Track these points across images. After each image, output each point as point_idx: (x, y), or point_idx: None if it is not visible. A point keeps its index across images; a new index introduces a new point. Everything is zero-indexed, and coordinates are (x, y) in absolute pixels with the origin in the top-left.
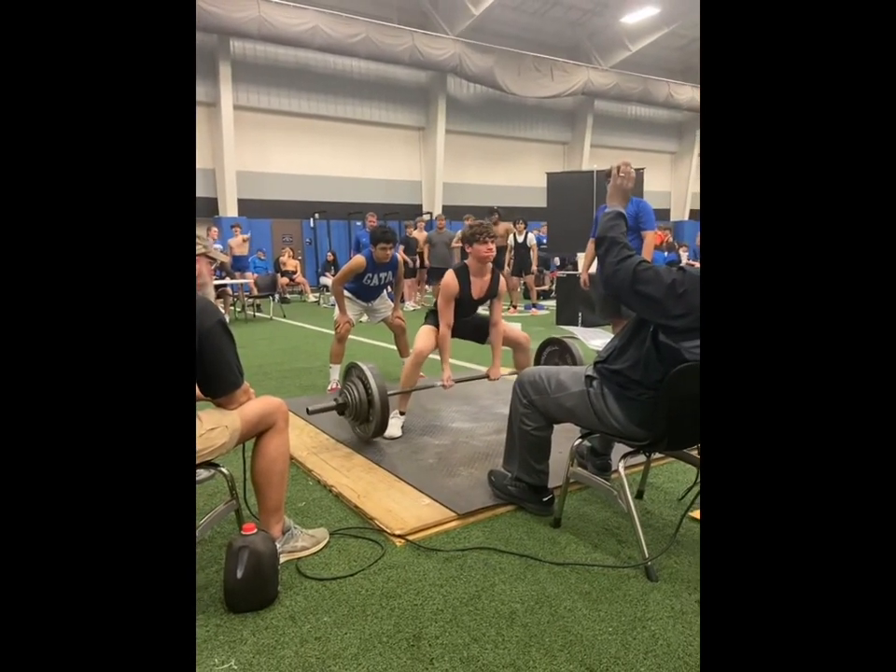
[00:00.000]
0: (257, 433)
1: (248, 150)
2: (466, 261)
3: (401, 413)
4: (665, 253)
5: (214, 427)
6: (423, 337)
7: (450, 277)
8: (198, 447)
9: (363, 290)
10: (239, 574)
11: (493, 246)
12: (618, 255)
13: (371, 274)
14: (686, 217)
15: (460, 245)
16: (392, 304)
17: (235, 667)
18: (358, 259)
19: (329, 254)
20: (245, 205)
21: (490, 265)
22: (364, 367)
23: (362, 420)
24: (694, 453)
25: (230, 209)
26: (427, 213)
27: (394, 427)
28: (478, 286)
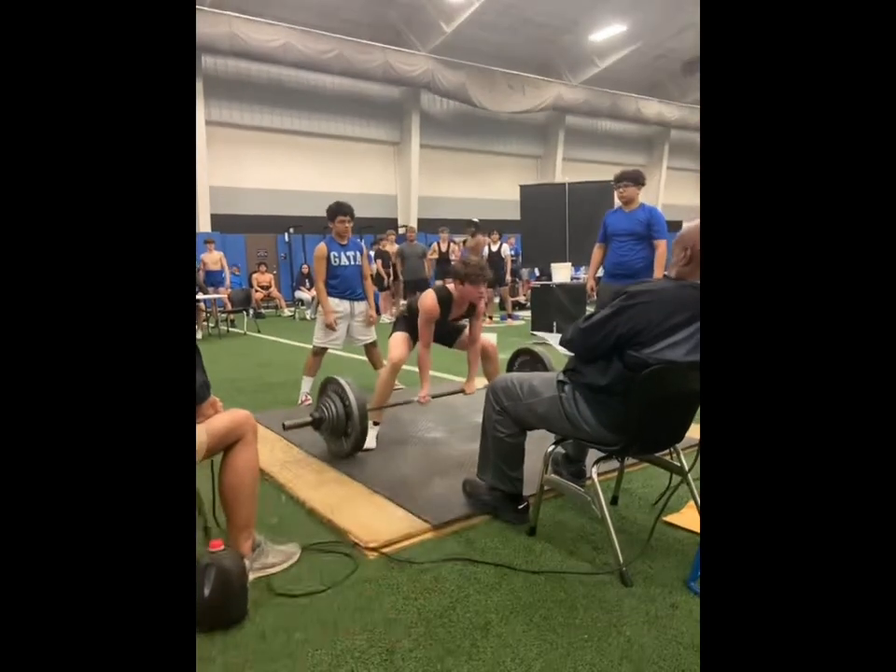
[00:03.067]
0: (224, 447)
1: (221, 166)
2: (450, 287)
3: (375, 424)
4: None
5: None
6: (397, 346)
7: (432, 303)
8: None
9: (342, 280)
10: (206, 592)
11: (483, 290)
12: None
13: (336, 254)
14: None
15: (436, 257)
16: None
17: None
18: (319, 246)
19: (305, 266)
20: (219, 221)
21: None
22: (342, 381)
23: (339, 435)
24: (668, 457)
25: (202, 224)
26: (403, 226)
27: (368, 438)
28: (456, 312)
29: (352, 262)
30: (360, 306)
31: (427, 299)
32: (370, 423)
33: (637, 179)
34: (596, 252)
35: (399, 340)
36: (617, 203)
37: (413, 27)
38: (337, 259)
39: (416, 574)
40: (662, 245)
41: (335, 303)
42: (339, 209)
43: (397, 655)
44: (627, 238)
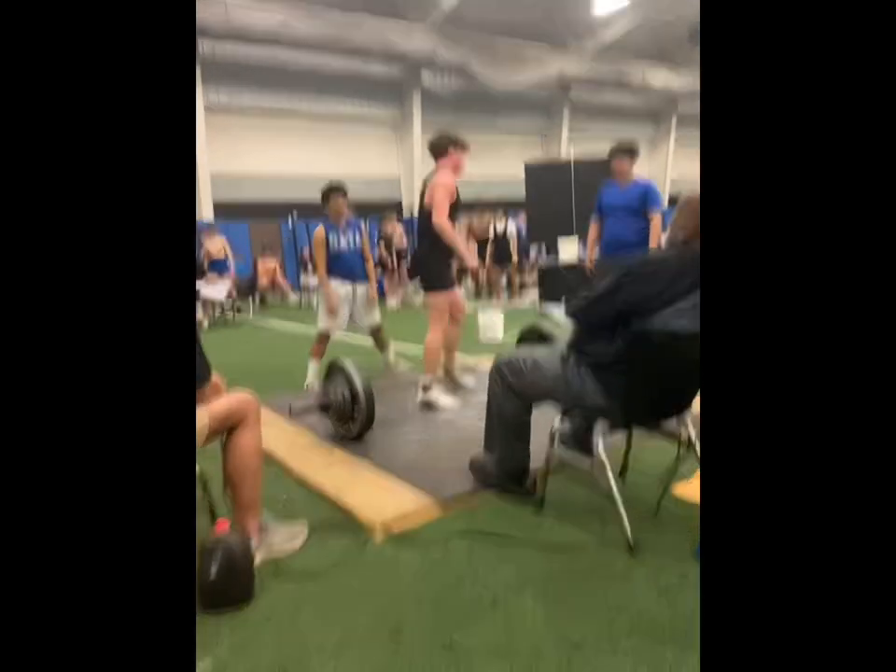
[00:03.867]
0: (226, 429)
1: (221, 152)
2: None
3: (426, 389)
4: None
5: None
6: (441, 318)
7: (450, 179)
8: None
9: (343, 264)
10: (213, 573)
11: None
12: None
13: (334, 237)
14: (665, 205)
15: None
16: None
17: (210, 670)
18: (316, 231)
19: (305, 249)
20: (221, 208)
21: None
22: (347, 364)
23: (346, 419)
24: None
25: (205, 212)
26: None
27: (443, 398)
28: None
29: (351, 244)
30: (362, 288)
31: (445, 178)
32: (427, 382)
33: (630, 152)
34: (592, 228)
35: (442, 307)
36: None
37: (411, 0)
38: (336, 242)
39: (424, 550)
40: (656, 219)
41: (337, 286)
42: (330, 188)
43: (405, 631)
44: (623, 213)
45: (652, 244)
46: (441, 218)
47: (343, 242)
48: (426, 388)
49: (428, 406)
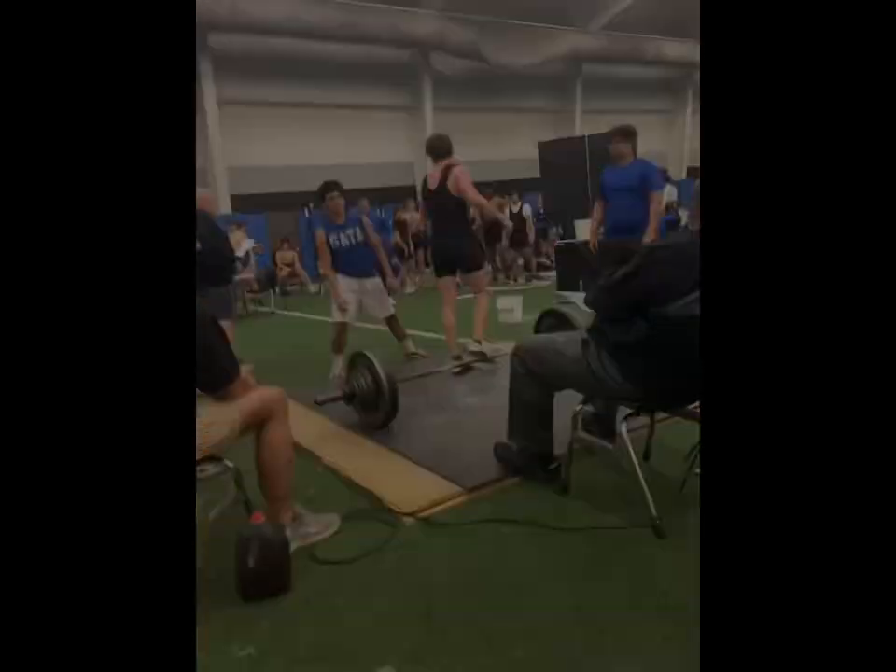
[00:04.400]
0: (257, 424)
1: (236, 145)
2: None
3: (479, 343)
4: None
5: (212, 422)
6: (484, 280)
7: (465, 168)
8: (197, 443)
9: (348, 261)
10: (250, 563)
11: None
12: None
13: (335, 237)
14: (684, 176)
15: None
16: (386, 293)
17: (254, 653)
18: (317, 233)
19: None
20: (239, 201)
21: None
22: (370, 355)
23: (371, 408)
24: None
25: (223, 206)
26: None
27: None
28: None
29: (353, 240)
30: (370, 283)
31: (461, 167)
32: (480, 342)
33: (627, 134)
34: (596, 209)
35: (487, 280)
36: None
37: None
38: (337, 241)
39: (452, 537)
40: (655, 198)
41: (347, 282)
42: (325, 187)
43: (436, 615)
44: (624, 193)
45: (652, 223)
46: (480, 198)
47: (345, 239)
48: (471, 350)
49: (481, 356)
